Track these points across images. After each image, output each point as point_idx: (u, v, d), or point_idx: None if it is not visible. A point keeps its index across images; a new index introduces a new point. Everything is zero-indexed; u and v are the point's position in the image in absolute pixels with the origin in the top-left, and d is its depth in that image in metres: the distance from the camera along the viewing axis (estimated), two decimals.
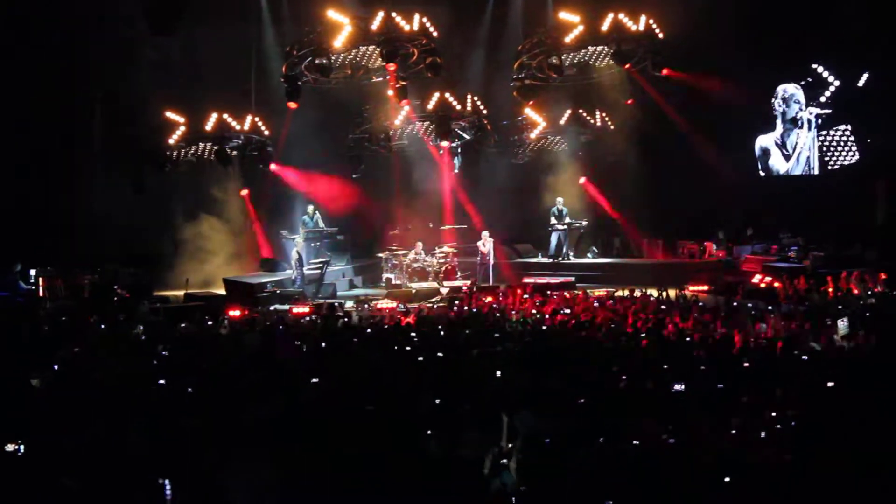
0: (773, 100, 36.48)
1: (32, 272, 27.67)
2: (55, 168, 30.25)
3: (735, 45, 32.50)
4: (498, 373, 12.74)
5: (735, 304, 22.05)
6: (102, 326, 19.89)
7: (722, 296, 24.22)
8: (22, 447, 9.06)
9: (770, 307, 20.98)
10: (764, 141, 36.83)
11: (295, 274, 29.95)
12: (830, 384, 11.95)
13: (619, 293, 24.51)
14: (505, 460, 8.80)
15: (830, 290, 23.80)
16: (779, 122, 36.53)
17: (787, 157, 36.47)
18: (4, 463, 8.96)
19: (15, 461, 9.00)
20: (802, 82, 35.70)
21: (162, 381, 12.51)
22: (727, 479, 8.37)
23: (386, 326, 18.80)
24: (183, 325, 20.30)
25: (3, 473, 8.76)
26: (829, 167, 35.67)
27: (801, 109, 35.83)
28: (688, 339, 15.92)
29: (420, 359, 14.15)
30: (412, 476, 8.65)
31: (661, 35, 29.16)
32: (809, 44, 34.23)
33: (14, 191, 29.59)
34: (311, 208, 32.37)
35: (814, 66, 35.14)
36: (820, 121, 35.68)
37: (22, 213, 29.19)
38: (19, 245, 28.14)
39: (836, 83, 35.19)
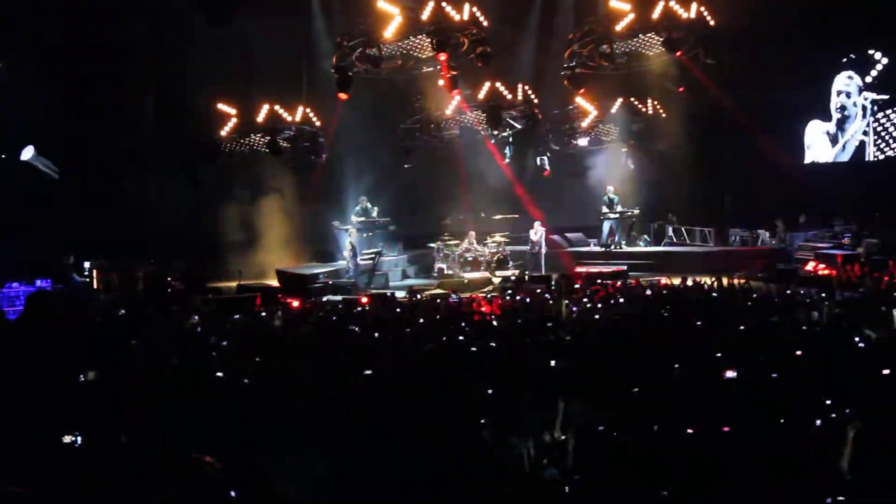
0: (830, 87, 36.23)
1: (87, 264, 27.92)
2: (108, 160, 30.45)
3: (789, 30, 32.23)
4: (552, 362, 12.73)
5: (788, 291, 21.92)
6: (158, 318, 20.03)
7: (775, 283, 24.09)
8: (79, 439, 9.14)
9: (824, 294, 20.83)
10: (816, 128, 36.55)
11: (349, 265, 30.01)
12: (886, 371, 11.88)
13: (671, 281, 24.45)
14: (558, 450, 8.82)
15: (885, 277, 23.60)
16: (834, 112, 36.21)
17: (834, 144, 36.19)
18: (63, 454, 9.04)
19: (73, 452, 9.08)
20: (855, 67, 35.37)
21: (219, 374, 12.59)
22: (782, 467, 8.34)
23: (438, 317, 18.81)
24: (237, 316, 20.41)
25: (61, 465, 8.84)
26: (884, 153, 35.34)
27: (856, 95, 35.51)
28: (741, 326, 15.85)
29: (473, 349, 14.17)
30: (466, 466, 8.68)
31: (712, 23, 28.96)
32: (865, 27, 33.80)
33: (68, 183, 29.85)
34: (364, 199, 32.45)
35: (870, 51, 34.81)
36: (875, 107, 35.35)
37: (76, 205, 29.43)
38: (73, 237, 28.40)
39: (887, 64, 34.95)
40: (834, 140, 36.33)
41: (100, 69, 29.29)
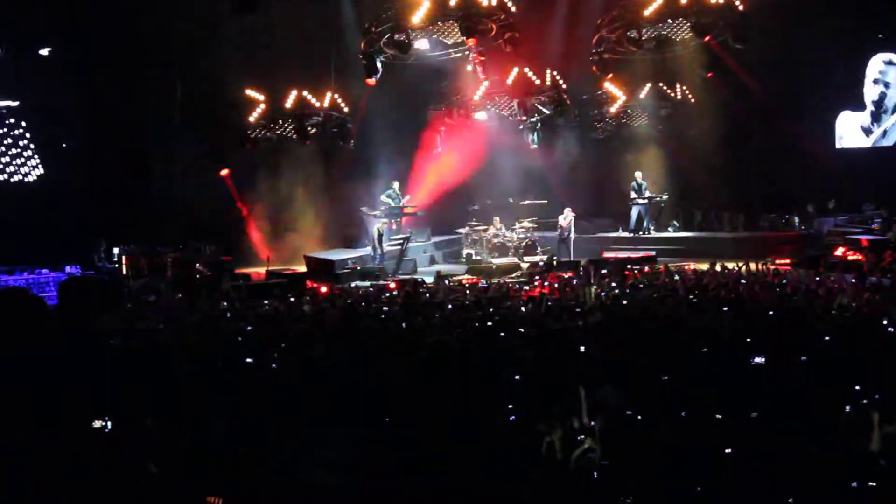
0: (863, 75, 35.57)
1: (116, 250, 28.08)
2: (137, 146, 30.61)
3: (821, 13, 31.98)
4: (582, 348, 12.75)
5: (818, 277, 21.84)
6: (187, 304, 20.14)
7: (805, 269, 24.02)
8: (109, 424, 9.20)
9: (854, 280, 20.75)
10: (848, 121, 36.03)
11: (376, 251, 30.06)
12: None
13: (700, 266, 24.43)
14: (587, 436, 8.83)
15: None
16: (868, 102, 35.72)
17: (868, 135, 35.80)
18: (92, 440, 9.09)
19: (102, 438, 9.13)
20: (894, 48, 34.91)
21: (249, 360, 12.64)
22: (811, 452, 8.34)
23: (467, 303, 18.83)
24: (266, 302, 20.50)
25: (91, 450, 8.90)
26: None
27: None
28: (770, 312, 15.81)
29: (501, 334, 14.18)
30: (492, 453, 8.70)
31: (740, 7, 28.82)
32: None
33: (97, 169, 30.01)
34: (396, 185, 32.48)
35: None
36: None
37: (104, 191, 29.59)
38: (103, 223, 28.56)
39: None
40: (868, 132, 35.75)
41: (128, 57, 29.41)
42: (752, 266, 23.22)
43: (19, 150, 30.40)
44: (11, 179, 30.46)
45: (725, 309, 16.22)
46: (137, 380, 11.49)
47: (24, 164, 30.60)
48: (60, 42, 29.59)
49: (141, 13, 29.53)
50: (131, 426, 9.27)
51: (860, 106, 35.54)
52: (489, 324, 15.28)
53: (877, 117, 35.30)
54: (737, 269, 22.86)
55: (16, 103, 29.80)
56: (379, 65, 29.90)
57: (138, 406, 10.07)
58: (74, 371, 10.25)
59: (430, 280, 24.97)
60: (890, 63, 35.04)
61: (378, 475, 8.12)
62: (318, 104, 31.05)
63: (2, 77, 29.07)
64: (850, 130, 35.84)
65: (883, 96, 35.10)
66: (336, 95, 31.55)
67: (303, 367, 12.20)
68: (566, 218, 31.90)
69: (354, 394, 10.44)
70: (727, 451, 8.43)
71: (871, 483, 7.86)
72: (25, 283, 25.94)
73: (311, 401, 10.26)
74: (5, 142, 30.12)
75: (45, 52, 29.17)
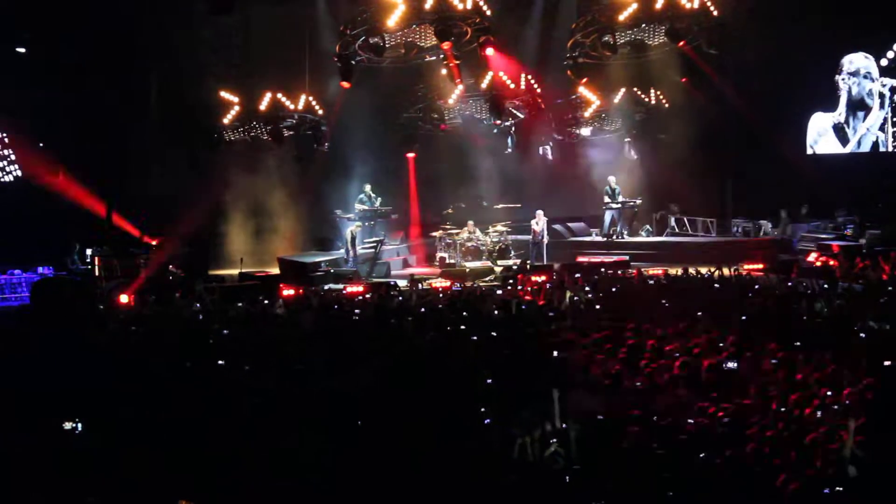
0: (836, 75, 35.48)
1: (89, 251, 28.01)
2: (111, 147, 30.50)
3: (795, 15, 32.06)
4: (555, 353, 12.79)
5: (790, 282, 21.95)
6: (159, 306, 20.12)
7: (777, 274, 24.11)
8: (79, 425, 9.19)
9: (826, 286, 20.85)
10: (820, 121, 35.94)
11: (349, 253, 30.04)
12: (888, 363, 11.92)
13: (673, 271, 24.52)
14: (558, 440, 8.85)
15: (887, 268, 23.60)
16: (843, 101, 35.55)
17: (845, 142, 35.59)
18: (62, 440, 9.10)
19: (73, 439, 9.13)
20: (869, 49, 34.85)
21: (220, 361, 12.64)
22: (783, 456, 8.39)
23: (440, 306, 18.85)
24: (239, 304, 20.48)
25: (61, 450, 8.90)
26: None
27: (871, 82, 35.00)
28: (743, 317, 15.89)
29: (474, 338, 14.22)
30: (466, 455, 8.72)
31: (715, 12, 28.94)
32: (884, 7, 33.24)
33: (70, 170, 29.94)
34: (367, 188, 32.47)
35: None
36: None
37: (78, 192, 29.52)
38: (76, 224, 28.50)
39: None
40: (840, 132, 35.67)
41: (103, 57, 29.34)
42: (725, 271, 23.34)
43: None
44: None
45: (699, 314, 16.29)
46: (109, 380, 11.47)
47: None
48: (34, 41, 29.52)
49: (116, 13, 29.43)
50: (101, 427, 9.26)
51: (833, 107, 35.52)
52: (462, 327, 15.30)
53: (851, 117, 35.24)
54: (709, 274, 22.97)
55: None
56: (353, 67, 29.87)
57: (110, 406, 10.06)
58: (47, 371, 10.23)
59: (403, 283, 24.98)
60: (866, 57, 34.95)
61: (351, 476, 8.14)
62: (292, 106, 30.94)
63: None
64: (824, 132, 35.77)
65: (852, 91, 35.02)
66: (310, 98, 31.46)
67: (277, 369, 12.21)
68: (539, 222, 31.89)
69: (329, 397, 10.45)
70: (699, 455, 8.48)
71: (838, 489, 7.94)
72: None
73: (285, 403, 10.28)
74: None
75: (20, 50, 29.08)
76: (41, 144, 30.67)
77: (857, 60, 35.31)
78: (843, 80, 35.46)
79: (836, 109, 35.71)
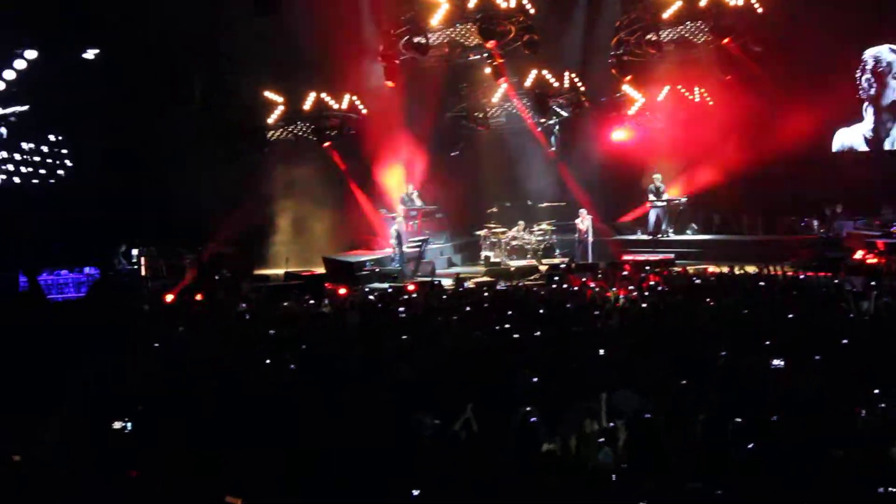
0: (858, 75, 34.64)
1: (135, 252, 28.16)
2: (156, 148, 30.64)
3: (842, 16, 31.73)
4: (601, 351, 12.76)
5: (836, 280, 21.78)
6: (206, 306, 20.21)
7: (823, 272, 23.94)
8: (129, 425, 9.24)
9: (873, 283, 20.66)
10: (847, 138, 35.26)
11: (394, 252, 30.06)
12: None
13: (719, 269, 24.39)
14: (605, 439, 8.83)
15: None
16: (869, 108, 34.80)
17: (879, 147, 34.62)
18: (113, 440, 9.14)
19: (123, 438, 9.18)
20: None
21: (267, 361, 12.68)
22: (831, 455, 8.33)
23: (485, 305, 18.84)
24: (285, 303, 20.54)
25: (112, 450, 8.94)
26: None
27: None
28: (790, 315, 15.79)
29: (516, 336, 14.20)
30: (511, 454, 8.71)
31: (759, 10, 28.78)
32: None
33: (115, 171, 30.13)
34: (410, 187, 32.53)
35: None
36: None
37: (123, 193, 29.69)
38: (122, 225, 28.66)
39: None
40: (875, 152, 35.01)
41: (147, 58, 29.50)
42: (772, 269, 23.19)
43: (38, 152, 30.52)
44: (33, 181, 30.58)
45: (745, 312, 16.20)
46: (158, 380, 11.53)
47: (43, 166, 30.71)
48: (79, 43, 29.73)
49: (160, 14, 29.58)
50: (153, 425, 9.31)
51: (859, 116, 34.86)
52: (507, 326, 15.28)
53: (882, 122, 34.58)
54: (755, 272, 22.84)
55: (25, 107, 29.91)
56: (398, 67, 29.90)
57: (158, 406, 10.11)
58: (99, 369, 10.28)
59: (448, 282, 24.98)
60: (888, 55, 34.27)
61: (397, 473, 8.14)
62: (336, 106, 31.01)
63: (26, 80, 29.25)
64: (852, 149, 35.19)
65: (878, 92, 34.31)
66: (354, 97, 31.52)
67: (324, 368, 12.23)
68: (583, 220, 31.81)
69: (373, 394, 10.46)
70: (746, 451, 8.43)
71: (892, 489, 7.86)
72: (44, 285, 26.08)
73: (333, 400, 10.29)
74: (27, 145, 30.22)
75: (90, 55, 29.30)
76: (84, 147, 30.88)
77: (883, 54, 34.37)
78: (865, 80, 34.59)
79: (864, 121, 34.92)
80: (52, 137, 30.10)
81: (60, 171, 30.39)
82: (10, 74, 27.79)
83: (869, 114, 34.79)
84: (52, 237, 27.53)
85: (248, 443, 8.89)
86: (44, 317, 16.12)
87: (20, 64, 28.39)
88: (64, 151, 30.24)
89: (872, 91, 34.50)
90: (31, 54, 28.46)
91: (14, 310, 19.40)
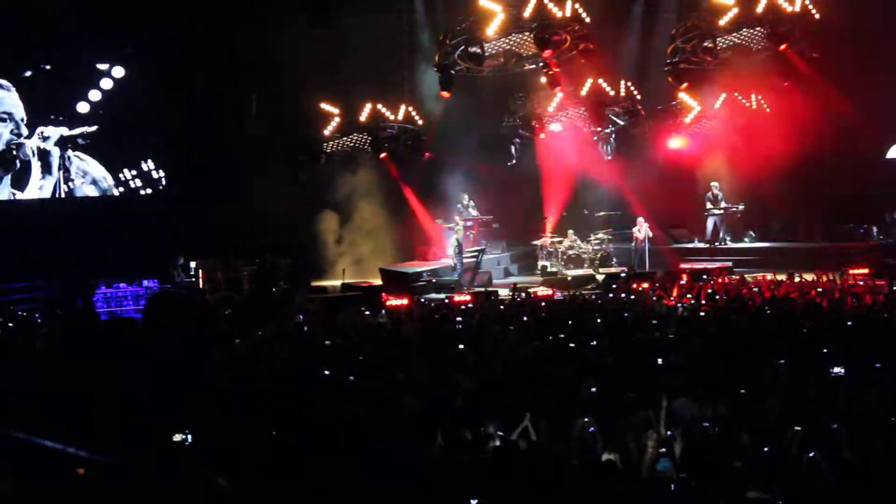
0: None
1: (192, 264, 28.39)
2: (213, 160, 30.89)
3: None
4: (659, 360, 12.74)
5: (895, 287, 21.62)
6: (264, 318, 20.31)
7: (883, 279, 23.77)
8: (189, 437, 9.32)
9: None
10: None
11: (454, 262, 30.05)
12: None
13: (776, 278, 24.26)
14: (664, 448, 8.82)
15: None
16: None
17: None
18: (173, 452, 9.21)
19: (182, 451, 9.25)
20: None
21: (326, 372, 12.74)
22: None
23: (542, 315, 18.84)
24: (342, 314, 20.60)
25: (171, 463, 9.01)
26: None
27: None
28: (849, 322, 15.69)
29: (572, 345, 14.20)
30: (570, 463, 8.72)
31: (817, 15, 28.61)
32: None
33: (173, 184, 30.41)
34: (465, 197, 32.57)
35: None
36: None
37: (182, 205, 29.96)
38: (179, 237, 28.93)
39: None
40: None
41: (203, 69, 29.78)
42: (831, 276, 23.05)
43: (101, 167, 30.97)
44: (96, 194, 31.01)
45: (803, 321, 16.13)
46: (216, 391, 11.61)
47: (105, 180, 31.11)
48: (137, 58, 30.11)
49: (216, 29, 29.84)
50: (213, 438, 9.38)
51: None
52: (564, 336, 15.28)
53: None
54: (813, 279, 22.71)
55: (93, 128, 30.34)
56: (453, 77, 29.94)
57: (221, 418, 10.19)
58: (162, 382, 10.36)
59: (505, 292, 24.99)
60: None
61: (456, 482, 8.17)
62: (392, 117, 31.13)
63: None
64: None
65: None
66: (410, 108, 31.63)
67: (383, 379, 12.27)
68: (640, 229, 31.70)
69: (431, 404, 10.50)
70: (808, 460, 8.39)
71: None
72: (103, 298, 26.35)
73: (390, 412, 10.33)
74: (86, 159, 30.70)
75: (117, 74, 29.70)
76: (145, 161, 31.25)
77: None
78: None
79: None
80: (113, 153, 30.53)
81: (122, 187, 30.76)
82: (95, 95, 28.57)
83: None
84: (110, 249, 27.85)
85: (307, 453, 8.94)
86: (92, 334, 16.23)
87: (106, 83, 29.07)
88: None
89: None
90: (119, 72, 29.12)
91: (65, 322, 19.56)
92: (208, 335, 17.12)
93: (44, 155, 30.57)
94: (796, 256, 30.66)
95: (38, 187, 30.67)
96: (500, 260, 33.63)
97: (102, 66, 30.38)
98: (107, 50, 30.46)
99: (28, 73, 30.22)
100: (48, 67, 30.21)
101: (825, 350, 12.91)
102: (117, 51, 30.38)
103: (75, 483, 5.71)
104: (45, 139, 30.43)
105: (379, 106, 30.77)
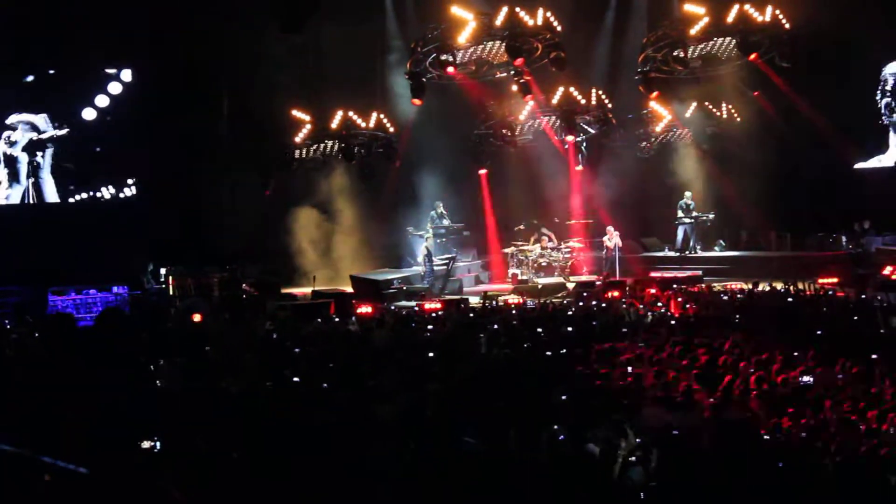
0: (878, 97, 34.17)
1: (163, 271, 28.31)
2: (183, 167, 30.81)
3: (868, 32, 31.59)
4: (629, 368, 12.78)
5: (864, 296, 21.74)
6: (233, 324, 20.28)
7: (852, 288, 23.89)
8: (158, 444, 9.29)
9: None
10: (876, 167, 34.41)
11: (425, 270, 30.05)
12: None
13: (746, 286, 24.38)
14: (633, 456, 8.84)
15: None
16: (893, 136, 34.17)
17: None
18: (142, 460, 9.18)
19: (152, 458, 9.22)
20: None
21: (296, 379, 12.72)
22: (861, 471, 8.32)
23: (513, 323, 18.86)
24: (316, 321, 20.60)
25: (140, 470, 8.98)
26: None
27: None
28: (818, 332, 15.78)
29: (548, 353, 14.23)
30: (540, 472, 8.73)
31: (787, 26, 28.75)
32: None
33: (143, 190, 30.33)
34: (439, 204, 32.58)
35: None
36: None
37: (151, 212, 29.88)
38: (149, 243, 28.87)
39: None
40: None
41: (175, 76, 29.72)
42: (800, 286, 23.16)
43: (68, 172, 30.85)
44: (70, 199, 30.89)
45: (771, 328, 16.23)
46: (184, 398, 11.58)
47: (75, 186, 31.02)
48: (108, 63, 30.06)
49: (188, 34, 29.79)
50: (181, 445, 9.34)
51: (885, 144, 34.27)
52: (534, 344, 15.31)
53: None
54: (783, 289, 22.82)
55: (64, 131, 30.25)
56: (424, 85, 29.95)
57: (189, 424, 10.15)
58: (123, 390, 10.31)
59: (475, 300, 25.01)
60: None
61: (430, 490, 8.17)
62: (363, 124, 31.08)
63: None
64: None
65: None
66: (382, 115, 31.61)
67: (353, 386, 12.26)
68: (611, 238, 31.78)
69: (405, 412, 10.49)
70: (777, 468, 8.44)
71: None
72: (73, 304, 26.21)
73: (362, 420, 10.32)
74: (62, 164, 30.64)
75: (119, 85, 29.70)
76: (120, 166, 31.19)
77: None
78: (887, 102, 34.07)
79: (888, 151, 34.29)
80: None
81: (90, 192, 30.66)
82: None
83: (893, 140, 34.25)
84: (80, 255, 27.75)
85: (279, 460, 8.92)
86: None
87: (115, 88, 29.09)
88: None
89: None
90: (127, 76, 29.11)
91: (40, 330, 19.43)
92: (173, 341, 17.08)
93: (11, 161, 30.43)
94: (767, 266, 30.80)
95: (6, 196, 30.52)
96: (470, 267, 33.62)
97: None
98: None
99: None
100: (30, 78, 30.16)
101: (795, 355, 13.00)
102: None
103: (42, 489, 5.68)
104: (11, 144, 30.27)
105: (350, 113, 30.73)
